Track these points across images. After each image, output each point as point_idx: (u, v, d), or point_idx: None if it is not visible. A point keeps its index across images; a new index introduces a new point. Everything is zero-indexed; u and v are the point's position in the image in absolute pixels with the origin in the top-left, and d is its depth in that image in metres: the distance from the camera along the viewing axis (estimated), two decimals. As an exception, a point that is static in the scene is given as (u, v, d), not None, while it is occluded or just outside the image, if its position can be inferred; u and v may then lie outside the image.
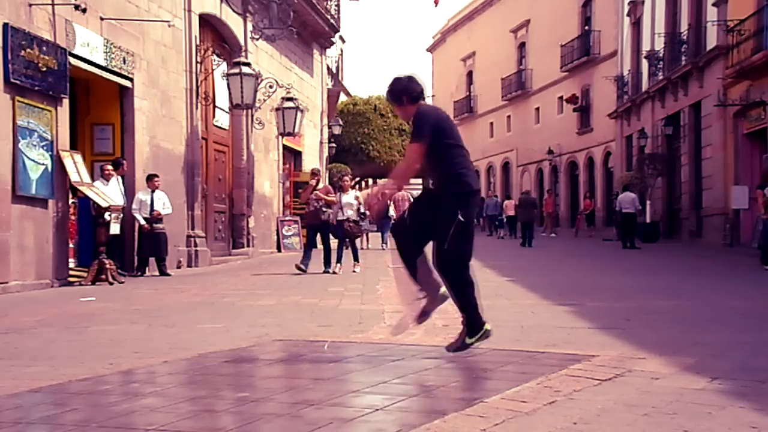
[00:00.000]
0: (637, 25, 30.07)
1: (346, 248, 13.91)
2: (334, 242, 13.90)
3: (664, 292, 9.91)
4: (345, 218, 13.63)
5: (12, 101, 10.74)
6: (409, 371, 4.65)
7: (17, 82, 10.72)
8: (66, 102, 12.09)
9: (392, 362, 4.94)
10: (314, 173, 14.43)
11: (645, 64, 28.52)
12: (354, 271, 13.20)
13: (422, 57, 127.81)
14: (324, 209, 13.52)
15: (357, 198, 13.97)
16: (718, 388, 4.15)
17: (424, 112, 5.13)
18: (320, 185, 13.97)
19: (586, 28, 36.33)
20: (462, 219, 4.96)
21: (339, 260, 13.50)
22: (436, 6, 44.64)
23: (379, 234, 25.26)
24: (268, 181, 21.33)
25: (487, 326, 5.09)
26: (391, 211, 25.72)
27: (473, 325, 5.07)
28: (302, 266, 13.27)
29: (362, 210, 13.71)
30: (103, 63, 12.93)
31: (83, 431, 3.45)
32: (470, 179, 5.12)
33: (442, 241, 5.00)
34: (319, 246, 14.11)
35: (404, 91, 5.16)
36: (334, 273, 13.20)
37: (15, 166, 10.82)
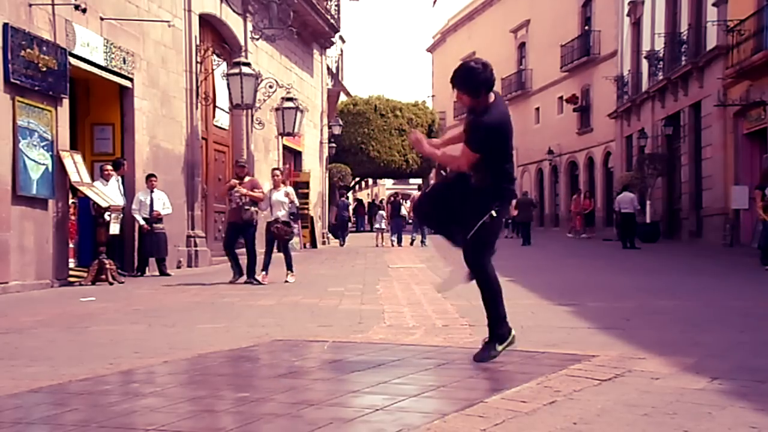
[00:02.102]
0: (637, 25, 30.07)
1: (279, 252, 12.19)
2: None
3: (664, 292, 9.91)
4: (273, 219, 11.83)
5: (12, 101, 10.74)
6: (409, 371, 4.64)
7: (17, 82, 10.72)
8: (66, 102, 12.09)
9: (392, 362, 4.94)
10: (239, 164, 12.82)
11: (645, 64, 28.53)
12: (286, 281, 11.62)
13: (422, 57, 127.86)
14: (247, 207, 11.91)
15: (288, 195, 12.04)
16: (718, 388, 4.15)
17: (497, 123, 4.85)
18: (247, 178, 12.40)
19: (586, 28, 36.33)
20: (494, 214, 4.86)
21: (265, 267, 11.79)
22: (434, 5, 44.56)
23: (386, 232, 25.53)
24: (268, 181, 21.30)
25: (514, 332, 5.06)
26: (403, 210, 25.97)
27: (501, 331, 4.99)
28: (235, 278, 11.84)
29: (294, 210, 12.17)
30: (103, 63, 12.93)
31: (83, 431, 3.45)
32: (513, 186, 5.07)
33: (465, 233, 4.90)
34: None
35: (485, 83, 4.83)
36: (259, 282, 11.54)
37: (15, 166, 10.83)
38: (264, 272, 11.72)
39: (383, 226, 26.28)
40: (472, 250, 4.93)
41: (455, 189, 5.01)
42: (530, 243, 23.72)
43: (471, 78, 4.82)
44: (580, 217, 29.89)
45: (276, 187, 12.08)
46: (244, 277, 11.86)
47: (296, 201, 12.20)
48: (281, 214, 11.84)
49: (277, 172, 12.46)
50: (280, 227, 11.78)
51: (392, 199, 28.38)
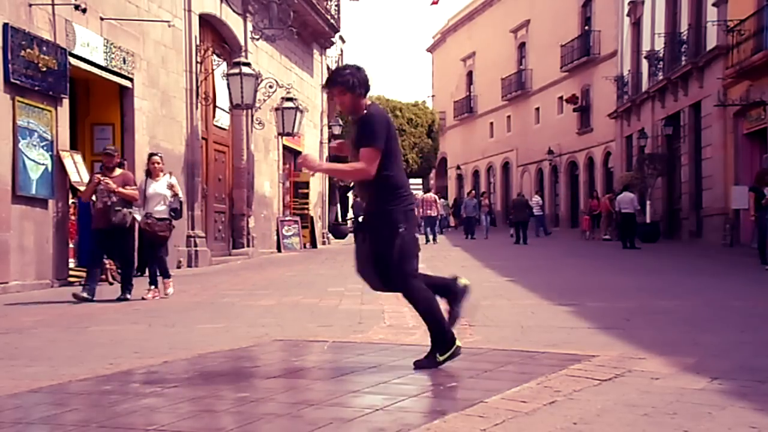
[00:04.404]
0: (637, 25, 30.06)
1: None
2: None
3: (665, 292, 9.90)
4: (153, 217, 9.80)
5: (12, 101, 10.75)
6: (409, 371, 4.64)
7: (17, 82, 10.73)
8: (66, 102, 12.10)
9: (392, 362, 4.94)
10: (107, 152, 9.97)
11: (645, 64, 28.51)
12: (155, 297, 9.70)
13: (422, 57, 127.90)
14: (117, 207, 9.55)
15: (172, 187, 9.90)
16: (718, 388, 4.15)
17: (380, 114, 4.75)
18: (118, 171, 9.92)
19: (586, 28, 36.32)
20: (404, 231, 4.62)
21: (153, 281, 9.85)
22: (433, 4, 44.47)
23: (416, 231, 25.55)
24: (268, 181, 21.33)
25: (459, 342, 4.78)
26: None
27: (443, 340, 4.72)
28: (84, 294, 9.34)
29: (177, 205, 9.95)
30: (103, 63, 12.93)
31: (83, 431, 3.45)
32: (410, 195, 4.85)
33: (384, 260, 4.62)
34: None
35: (365, 83, 4.75)
36: (143, 299, 9.55)
37: (15, 166, 10.83)
38: (153, 286, 9.82)
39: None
40: (396, 275, 4.64)
41: (363, 235, 4.79)
42: (527, 242, 24.12)
43: (353, 75, 4.72)
44: (588, 217, 29.80)
45: (154, 176, 9.88)
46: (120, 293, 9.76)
47: (180, 194, 10.12)
48: (160, 209, 9.79)
49: (157, 159, 10.03)
50: (152, 222, 9.76)
51: None
